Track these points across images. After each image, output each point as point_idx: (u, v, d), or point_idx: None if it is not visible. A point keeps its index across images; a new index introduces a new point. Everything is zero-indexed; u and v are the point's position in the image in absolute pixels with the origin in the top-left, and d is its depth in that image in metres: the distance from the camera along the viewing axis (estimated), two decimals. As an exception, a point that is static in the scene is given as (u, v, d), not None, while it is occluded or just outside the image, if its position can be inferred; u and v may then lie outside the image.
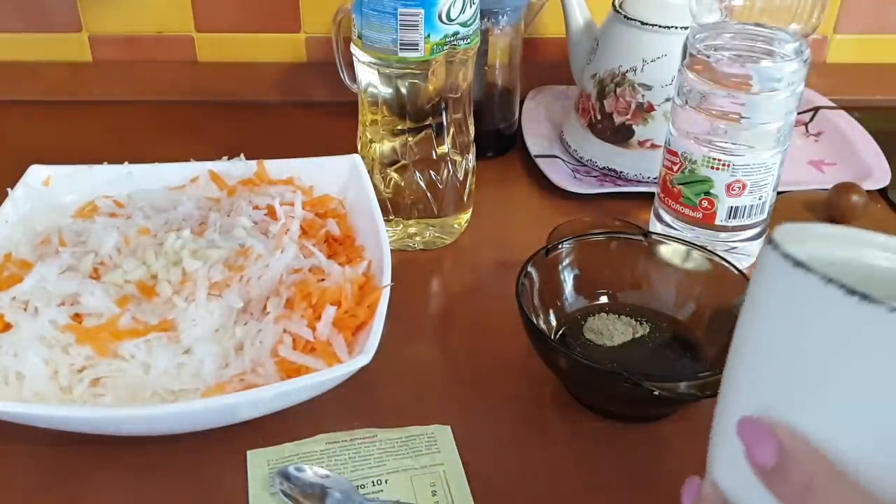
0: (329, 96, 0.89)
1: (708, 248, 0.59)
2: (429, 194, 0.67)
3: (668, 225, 0.66)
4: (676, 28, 0.72)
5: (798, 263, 0.29)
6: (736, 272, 0.56)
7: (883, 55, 0.98)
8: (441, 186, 0.67)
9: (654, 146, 0.75)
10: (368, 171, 0.66)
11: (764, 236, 0.67)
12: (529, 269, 0.56)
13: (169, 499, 0.49)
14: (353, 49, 0.63)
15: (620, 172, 0.77)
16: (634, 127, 0.76)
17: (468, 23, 0.61)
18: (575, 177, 0.78)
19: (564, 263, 0.59)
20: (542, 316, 0.57)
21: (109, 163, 0.68)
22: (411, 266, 0.66)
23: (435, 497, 0.48)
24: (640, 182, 0.77)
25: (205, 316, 0.53)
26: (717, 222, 0.64)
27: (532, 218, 0.75)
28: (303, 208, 0.63)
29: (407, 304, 0.59)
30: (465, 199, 0.70)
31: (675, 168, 0.64)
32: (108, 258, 0.57)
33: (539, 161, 0.80)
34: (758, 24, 0.60)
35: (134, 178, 0.67)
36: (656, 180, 0.67)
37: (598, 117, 0.78)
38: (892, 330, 0.27)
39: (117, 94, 0.92)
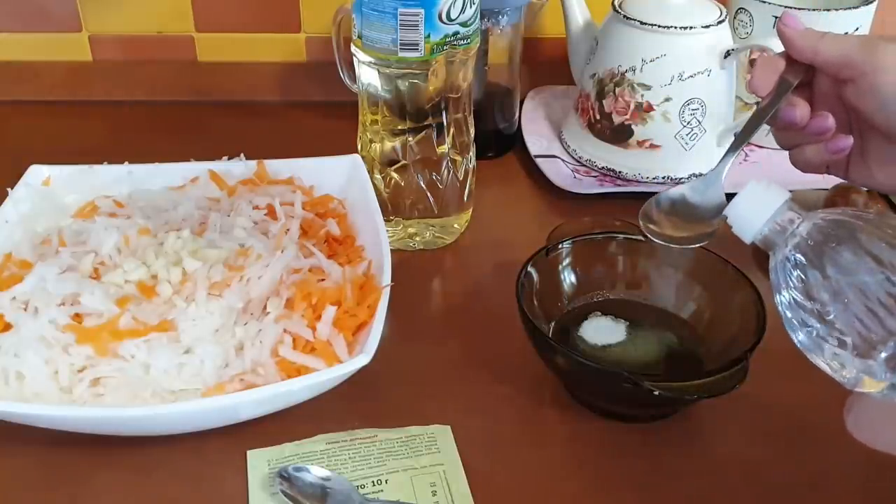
0: (329, 96, 0.89)
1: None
2: (429, 194, 0.67)
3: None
4: (676, 28, 0.72)
5: None
6: (736, 272, 0.56)
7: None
8: (441, 186, 0.67)
9: (652, 146, 0.75)
10: (368, 171, 0.66)
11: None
12: (529, 269, 0.56)
13: (169, 499, 0.49)
14: (353, 49, 0.63)
15: (619, 172, 0.77)
16: (633, 127, 0.76)
17: (468, 23, 0.61)
18: (575, 177, 0.78)
19: (564, 263, 0.59)
20: (542, 316, 0.57)
21: (109, 163, 0.68)
22: (411, 266, 0.66)
23: (435, 497, 0.48)
24: (640, 182, 0.77)
25: (205, 316, 0.53)
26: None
27: (532, 218, 0.75)
28: (303, 208, 0.63)
29: (407, 304, 0.59)
30: (465, 199, 0.70)
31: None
32: (108, 258, 0.58)
33: (539, 161, 0.80)
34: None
35: (134, 178, 0.67)
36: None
37: (598, 117, 0.78)
38: None
39: (117, 94, 0.92)
